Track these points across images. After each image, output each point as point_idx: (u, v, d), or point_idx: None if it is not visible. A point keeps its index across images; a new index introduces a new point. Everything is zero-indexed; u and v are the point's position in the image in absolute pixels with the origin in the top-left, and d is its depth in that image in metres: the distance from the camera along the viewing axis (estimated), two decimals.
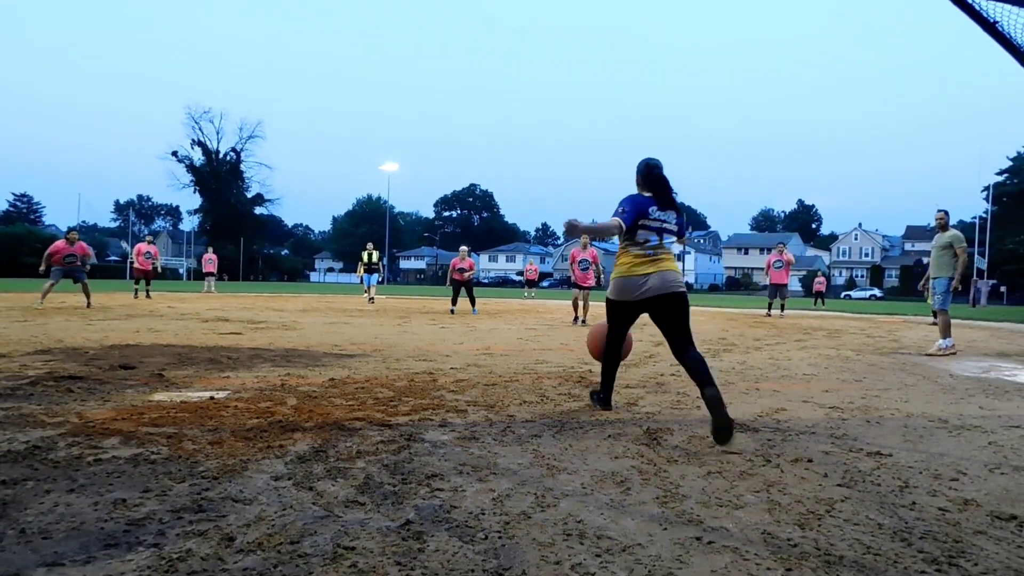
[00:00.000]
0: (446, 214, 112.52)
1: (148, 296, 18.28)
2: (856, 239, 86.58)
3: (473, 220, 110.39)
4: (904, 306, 32.56)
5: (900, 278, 74.20)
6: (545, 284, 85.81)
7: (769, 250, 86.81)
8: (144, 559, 1.79)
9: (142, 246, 18.53)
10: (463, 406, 3.99)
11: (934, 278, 8.39)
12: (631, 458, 2.97)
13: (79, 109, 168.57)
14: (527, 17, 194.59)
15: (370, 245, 19.65)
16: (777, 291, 16.38)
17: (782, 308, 17.07)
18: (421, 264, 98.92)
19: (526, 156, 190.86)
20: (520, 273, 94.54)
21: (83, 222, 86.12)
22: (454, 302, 15.01)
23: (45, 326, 8.56)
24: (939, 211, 8.36)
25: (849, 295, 68.19)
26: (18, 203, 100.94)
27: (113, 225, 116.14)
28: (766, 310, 17.44)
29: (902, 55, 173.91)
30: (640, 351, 7.52)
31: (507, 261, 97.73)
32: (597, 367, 5.99)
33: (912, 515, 2.33)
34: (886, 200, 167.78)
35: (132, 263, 19.92)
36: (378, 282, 19.95)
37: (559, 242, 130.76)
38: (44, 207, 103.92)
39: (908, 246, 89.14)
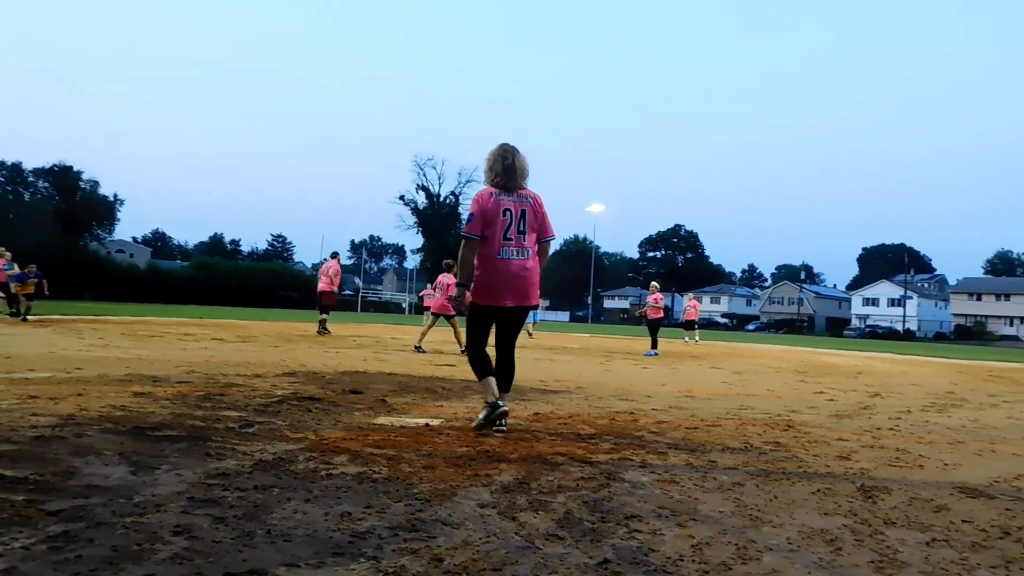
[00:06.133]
0: (651, 254, 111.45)
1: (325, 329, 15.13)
2: None
3: (678, 261, 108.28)
4: None
5: None
6: (751, 327, 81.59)
7: (1007, 296, 75.94)
8: (364, 569, 1.96)
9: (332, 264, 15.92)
10: (664, 448, 3.91)
11: None
12: (843, 516, 2.74)
13: (324, 158, 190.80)
14: (732, 66, 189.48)
15: None
16: None
17: None
18: (625, 304, 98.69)
19: (732, 197, 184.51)
20: (726, 315, 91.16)
21: (324, 260, 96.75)
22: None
23: (292, 351, 9.73)
24: None
25: None
26: (275, 243, 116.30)
27: (349, 263, 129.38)
28: None
29: None
30: (855, 402, 6.90)
31: (712, 303, 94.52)
32: (801, 416, 5.58)
33: None
34: None
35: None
36: (536, 320, 20.57)
37: (766, 284, 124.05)
38: (295, 246, 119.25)
39: None
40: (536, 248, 4.29)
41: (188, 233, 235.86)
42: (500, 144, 4.31)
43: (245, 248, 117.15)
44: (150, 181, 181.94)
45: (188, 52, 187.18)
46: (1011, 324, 74.55)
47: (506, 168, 4.18)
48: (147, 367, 6.69)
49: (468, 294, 4.23)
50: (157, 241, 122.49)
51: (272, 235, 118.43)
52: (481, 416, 4.17)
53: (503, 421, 4.15)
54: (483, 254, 4.16)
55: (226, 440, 3.51)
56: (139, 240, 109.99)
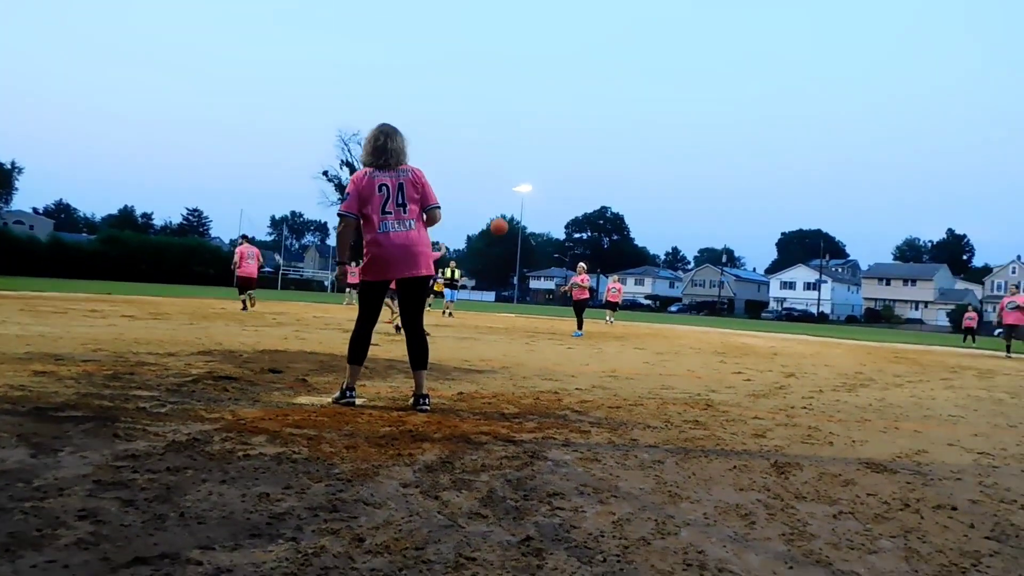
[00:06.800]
0: (577, 236, 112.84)
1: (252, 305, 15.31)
2: (1014, 272, 78.21)
3: (603, 242, 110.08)
4: None
5: None
6: (674, 308, 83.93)
7: (913, 282, 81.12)
8: (283, 551, 1.92)
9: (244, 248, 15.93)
10: (587, 427, 3.98)
11: None
12: (757, 491, 2.86)
13: (246, 131, 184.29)
14: (669, 54, 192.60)
15: (453, 263, 21.20)
16: (1012, 332, 16.26)
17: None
18: (550, 284, 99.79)
19: (659, 180, 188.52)
20: (649, 297, 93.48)
21: (239, 240, 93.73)
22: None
23: (208, 329, 9.38)
24: None
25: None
26: (191, 217, 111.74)
27: (268, 239, 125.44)
28: (1005, 352, 16.78)
29: None
30: (771, 382, 7.20)
31: (636, 284, 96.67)
32: (720, 396, 5.79)
33: None
34: None
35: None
36: (455, 299, 21.40)
37: (689, 267, 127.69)
38: (211, 221, 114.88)
39: None
40: (421, 219, 4.37)
41: (95, 205, 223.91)
42: (378, 125, 4.42)
43: (158, 222, 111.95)
44: (53, 149, 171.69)
45: (97, 11, 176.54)
46: (916, 308, 79.43)
47: (376, 149, 4.31)
48: (49, 345, 6.33)
49: (349, 271, 4.53)
50: (60, 213, 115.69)
51: (187, 209, 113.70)
52: (336, 394, 4.31)
53: (426, 401, 4.20)
54: (367, 231, 4.27)
55: (136, 421, 3.36)
56: (40, 211, 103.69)
